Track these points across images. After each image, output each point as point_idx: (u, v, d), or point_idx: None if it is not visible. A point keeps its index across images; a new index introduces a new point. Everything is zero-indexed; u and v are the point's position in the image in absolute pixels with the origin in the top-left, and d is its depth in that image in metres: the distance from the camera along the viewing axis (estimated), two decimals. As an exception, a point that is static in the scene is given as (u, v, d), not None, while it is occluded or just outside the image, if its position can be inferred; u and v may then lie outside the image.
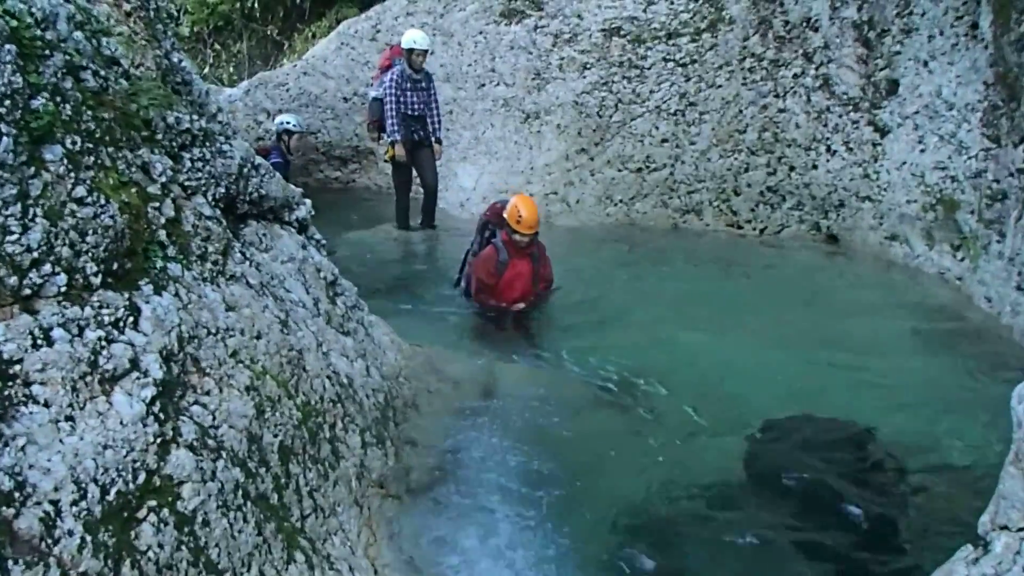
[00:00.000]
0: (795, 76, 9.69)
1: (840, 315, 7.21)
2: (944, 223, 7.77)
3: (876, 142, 8.87)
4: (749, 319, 7.00)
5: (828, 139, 9.41)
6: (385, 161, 11.27)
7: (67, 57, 2.46)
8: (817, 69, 9.50)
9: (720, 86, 10.08)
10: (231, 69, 16.34)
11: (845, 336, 6.64)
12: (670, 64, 10.39)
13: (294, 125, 10.95)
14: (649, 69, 10.48)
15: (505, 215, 6.70)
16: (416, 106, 9.82)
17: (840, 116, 9.27)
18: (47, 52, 2.36)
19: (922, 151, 8.14)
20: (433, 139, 10.13)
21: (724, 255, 9.35)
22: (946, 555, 2.30)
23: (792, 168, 9.76)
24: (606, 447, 4.96)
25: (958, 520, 3.58)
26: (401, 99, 9.69)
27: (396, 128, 9.66)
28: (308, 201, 8.37)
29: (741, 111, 9.99)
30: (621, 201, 10.57)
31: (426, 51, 9.87)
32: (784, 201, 9.89)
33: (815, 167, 9.56)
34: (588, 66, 10.79)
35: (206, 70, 15.63)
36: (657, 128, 10.39)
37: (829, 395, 5.52)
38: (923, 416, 5.25)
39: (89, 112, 2.49)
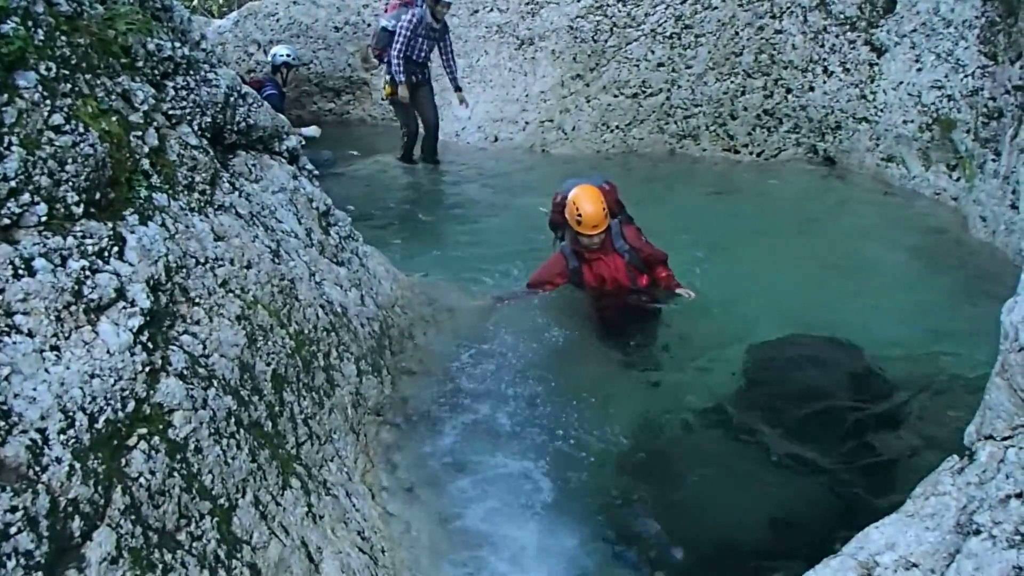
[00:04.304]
0: (792, -4, 9.51)
1: (837, 237, 7.21)
2: (940, 143, 7.71)
3: (873, 62, 8.76)
4: (746, 242, 7.01)
5: (825, 60, 9.28)
6: (383, 99, 11.16)
7: (38, -19, 2.40)
8: (815, -12, 9.33)
9: (716, 8, 9.88)
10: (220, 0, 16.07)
11: (841, 257, 6.66)
12: (665, -14, 10.20)
13: (293, 58, 10.81)
14: (644, -9, 10.28)
15: (565, 214, 5.52)
16: (423, 53, 9.92)
17: (837, 36, 9.12)
18: (16, -25, 2.29)
19: (919, 70, 8.03)
20: (454, 88, 10.22)
21: (721, 179, 9.30)
22: (934, 467, 2.31)
23: (789, 91, 9.65)
24: (604, 372, 5.00)
25: (947, 434, 3.61)
26: (412, 43, 9.73)
27: (399, 70, 9.67)
28: (316, 130, 8.37)
29: (737, 33, 9.82)
30: (617, 127, 10.48)
31: (450, 4, 9.93)
32: (781, 124, 9.80)
33: (812, 89, 9.46)
34: (582, -11, 10.59)
35: (195, 1, 15.35)
36: (653, 52, 10.22)
37: (824, 315, 5.54)
38: (916, 334, 5.28)
39: (63, 38, 2.43)
